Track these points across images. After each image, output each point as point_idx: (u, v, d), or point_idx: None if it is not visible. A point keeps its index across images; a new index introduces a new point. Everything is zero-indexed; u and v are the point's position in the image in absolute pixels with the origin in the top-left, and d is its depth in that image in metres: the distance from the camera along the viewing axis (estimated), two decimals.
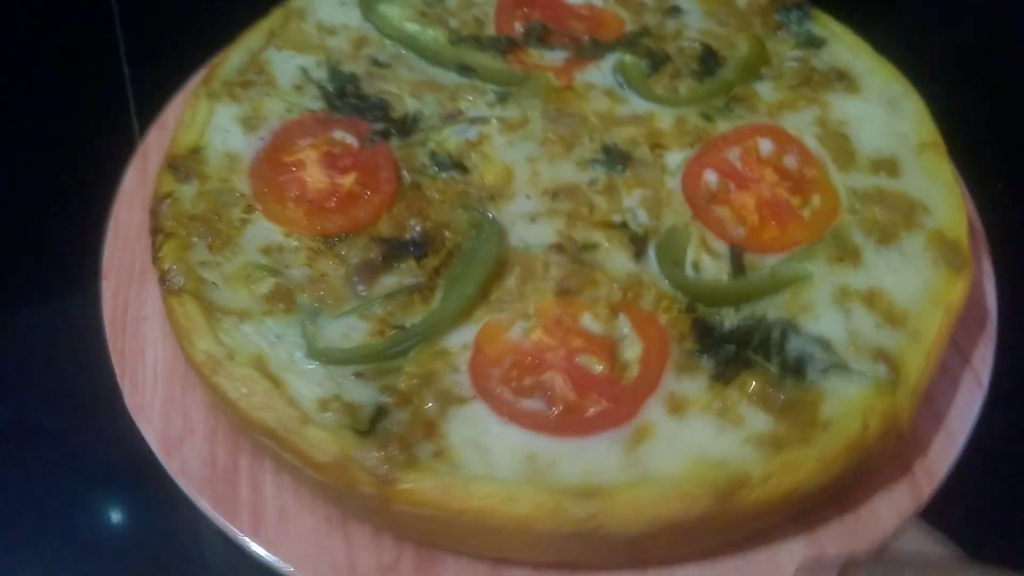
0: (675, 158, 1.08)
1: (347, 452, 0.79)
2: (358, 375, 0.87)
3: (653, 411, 0.85)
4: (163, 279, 0.93)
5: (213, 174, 1.03)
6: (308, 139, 1.07)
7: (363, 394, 0.86)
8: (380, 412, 0.84)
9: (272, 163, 1.05)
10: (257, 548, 0.84)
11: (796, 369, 0.88)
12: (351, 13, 1.22)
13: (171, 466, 0.90)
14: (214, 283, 0.93)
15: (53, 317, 1.14)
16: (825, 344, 0.90)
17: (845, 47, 1.19)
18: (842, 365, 0.88)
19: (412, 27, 1.21)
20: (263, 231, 0.99)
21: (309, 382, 0.86)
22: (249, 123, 1.08)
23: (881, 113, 1.11)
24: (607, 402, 0.85)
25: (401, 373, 0.88)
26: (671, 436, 0.83)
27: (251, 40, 1.17)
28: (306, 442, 0.80)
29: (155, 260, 0.95)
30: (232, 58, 1.15)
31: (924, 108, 1.10)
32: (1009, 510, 0.97)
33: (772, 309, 0.94)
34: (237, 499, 0.88)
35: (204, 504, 0.87)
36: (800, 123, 1.11)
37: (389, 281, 0.96)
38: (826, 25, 1.22)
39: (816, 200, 1.03)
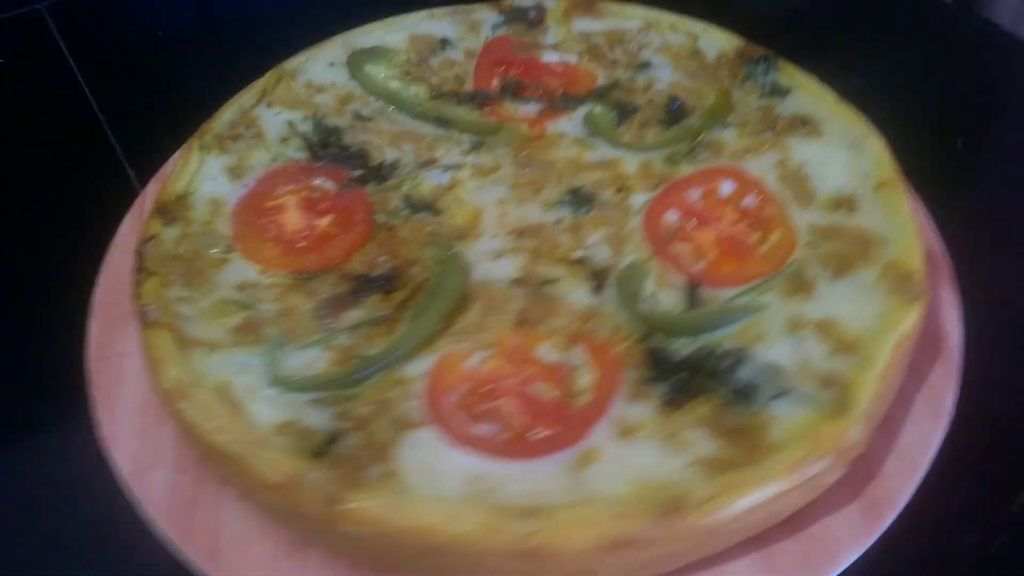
0: (639, 199, 1.12)
1: (297, 473, 0.82)
2: (316, 401, 0.90)
3: (601, 435, 0.86)
4: (140, 313, 0.98)
5: (197, 218, 1.09)
6: (290, 185, 1.14)
7: (320, 419, 0.89)
8: (334, 436, 0.87)
9: (254, 207, 1.11)
10: (210, 571, 0.86)
11: (745, 395, 0.88)
12: (340, 73, 1.30)
13: (138, 492, 0.93)
14: (189, 317, 0.98)
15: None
16: (775, 371, 0.90)
17: (809, 96, 1.23)
18: (791, 391, 0.88)
19: (395, 85, 1.29)
20: (239, 270, 1.04)
21: (269, 408, 0.89)
22: (235, 172, 1.15)
23: (842, 155, 1.14)
24: (557, 426, 0.87)
25: (359, 400, 0.91)
26: (617, 459, 0.84)
27: (244, 98, 1.25)
28: (259, 463, 0.83)
29: (135, 296, 1.00)
30: (225, 114, 1.23)
31: (884, 148, 1.12)
32: (969, 533, 0.94)
33: (727, 340, 0.95)
34: (196, 525, 0.90)
35: (164, 529, 0.90)
36: (762, 166, 1.14)
37: (356, 314, 1.00)
38: (791, 75, 1.26)
39: (775, 236, 1.05)
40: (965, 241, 1.13)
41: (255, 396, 0.90)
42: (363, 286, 1.02)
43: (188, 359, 0.93)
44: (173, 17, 1.76)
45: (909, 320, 0.92)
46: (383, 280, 1.02)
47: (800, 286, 0.99)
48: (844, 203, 1.08)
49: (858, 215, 1.06)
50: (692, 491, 0.79)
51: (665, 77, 1.29)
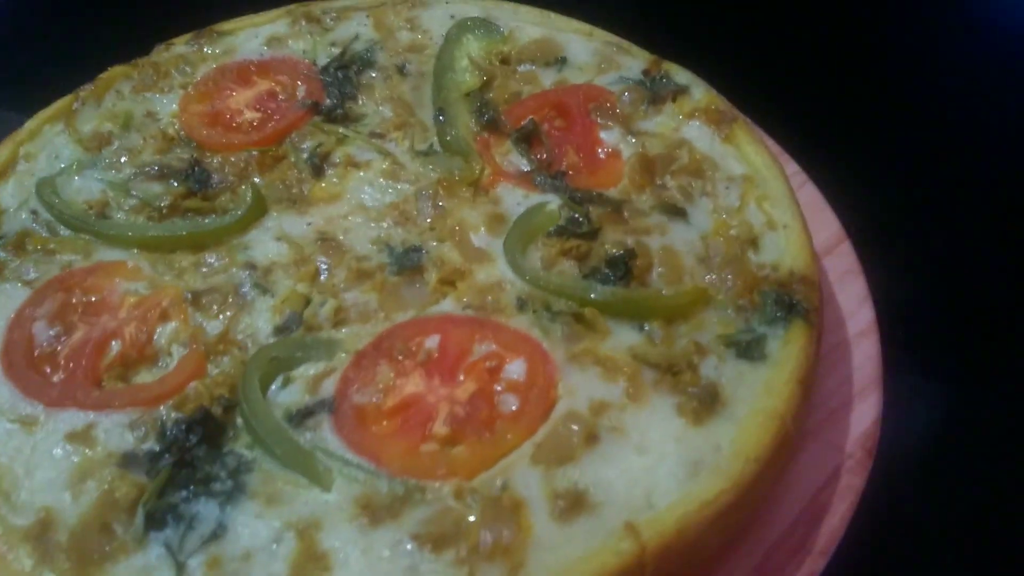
0: (444, 306, 0.90)
1: None
2: (36, 215, 0.98)
3: (68, 419, 0.79)
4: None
5: (206, 53, 1.19)
6: (282, 76, 1.16)
7: (12, 227, 0.97)
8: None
9: (239, 73, 1.16)
10: None
11: (161, 521, 0.72)
12: (443, 27, 1.23)
13: None
14: (94, 107, 1.11)
15: None
16: (220, 532, 0.71)
17: (768, 383, 0.81)
18: (181, 558, 0.69)
19: (463, 64, 1.17)
20: (167, 104, 1.12)
21: (11, 192, 1.01)
22: (272, 43, 1.20)
23: (670, 462, 0.76)
24: (67, 376, 0.82)
25: (49, 241, 0.96)
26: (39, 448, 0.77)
27: (365, 1, 1.27)
28: None
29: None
30: (340, 2, 1.27)
31: (712, 502, 0.71)
32: None
33: (259, 475, 0.76)
34: None
35: None
36: (586, 387, 0.81)
37: (155, 188, 1.01)
38: (789, 344, 0.84)
39: (456, 451, 0.76)
40: None
41: (23, 177, 1.01)
42: (185, 174, 1.02)
43: (49, 130, 1.07)
44: None
45: None
46: (202, 183, 1.02)
47: (375, 512, 0.72)
48: (572, 500, 0.73)
49: (562, 525, 0.71)
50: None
51: (677, 240, 0.95)
